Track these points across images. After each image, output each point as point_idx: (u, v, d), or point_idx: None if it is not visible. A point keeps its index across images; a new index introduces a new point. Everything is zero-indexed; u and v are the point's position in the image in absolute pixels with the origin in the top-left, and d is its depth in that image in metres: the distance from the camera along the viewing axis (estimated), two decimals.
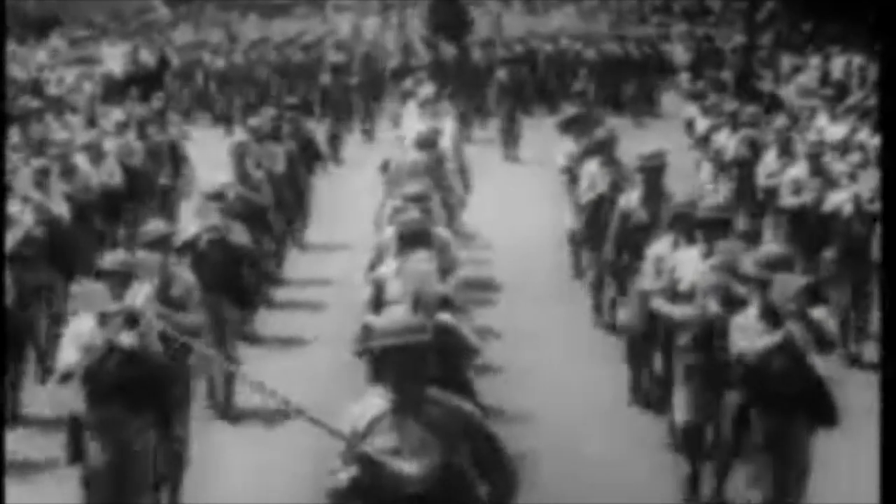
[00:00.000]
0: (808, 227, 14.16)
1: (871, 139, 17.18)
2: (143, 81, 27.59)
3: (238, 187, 14.06)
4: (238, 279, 12.31)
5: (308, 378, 12.30)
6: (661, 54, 30.55)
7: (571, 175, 15.80)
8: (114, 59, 30.09)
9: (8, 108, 19.47)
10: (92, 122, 20.15)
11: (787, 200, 14.62)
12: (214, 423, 11.95)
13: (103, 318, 8.78)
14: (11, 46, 29.16)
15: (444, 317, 9.29)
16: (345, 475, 6.24)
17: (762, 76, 29.75)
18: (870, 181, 13.36)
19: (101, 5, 34.46)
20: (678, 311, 10.12)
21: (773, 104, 25.08)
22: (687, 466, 10.28)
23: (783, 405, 8.63)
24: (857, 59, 28.88)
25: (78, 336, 8.82)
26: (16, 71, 27.48)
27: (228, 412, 12.14)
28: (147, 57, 30.54)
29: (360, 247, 16.39)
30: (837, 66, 29.04)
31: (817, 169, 14.46)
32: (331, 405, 6.51)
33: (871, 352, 13.31)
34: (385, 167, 14.94)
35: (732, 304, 9.28)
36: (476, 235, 17.82)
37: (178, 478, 9.97)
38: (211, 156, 17.68)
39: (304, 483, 9.74)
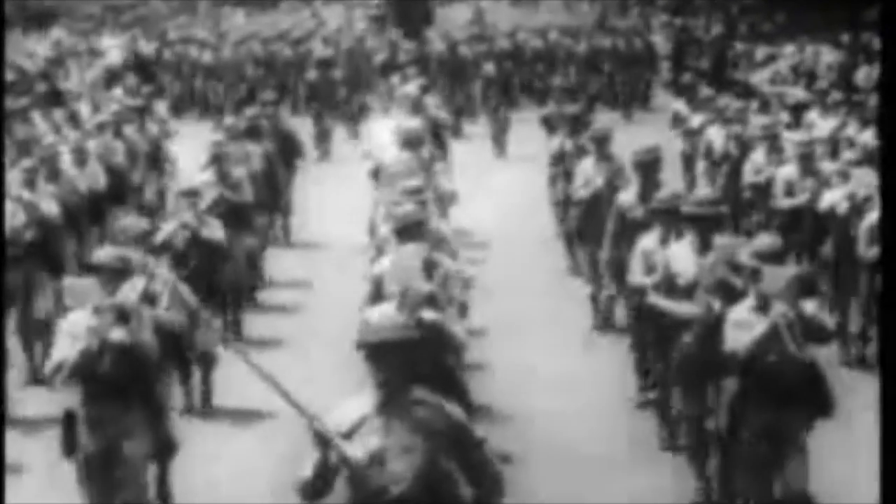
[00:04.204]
0: (803, 227, 13.89)
1: (859, 135, 17.17)
2: (141, 70, 27.73)
3: (218, 186, 13.89)
4: (214, 275, 12.29)
5: (291, 378, 12.14)
6: (651, 46, 30.54)
7: (564, 172, 15.62)
8: (115, 49, 30.19)
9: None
10: (97, 110, 20.17)
11: (782, 202, 14.29)
12: (189, 420, 11.83)
13: (96, 313, 8.79)
14: (16, 36, 29.23)
15: (429, 314, 9.27)
16: (308, 463, 6.33)
17: (737, 65, 29.86)
18: (864, 179, 13.03)
19: None
20: (681, 308, 9.76)
21: (747, 93, 25.18)
22: (692, 462, 10.11)
23: (778, 395, 8.50)
24: (825, 50, 29.02)
25: (73, 330, 8.74)
26: (27, 63, 27.49)
27: (205, 410, 12.08)
28: (145, 46, 30.62)
29: (345, 245, 16.40)
30: (809, 55, 29.19)
31: (809, 169, 14.16)
32: (314, 404, 6.48)
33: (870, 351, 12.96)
34: (376, 173, 14.75)
35: (734, 299, 8.98)
36: (465, 231, 17.77)
37: (166, 470, 9.86)
38: (198, 151, 17.55)
39: (281, 481, 9.75)
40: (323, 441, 6.25)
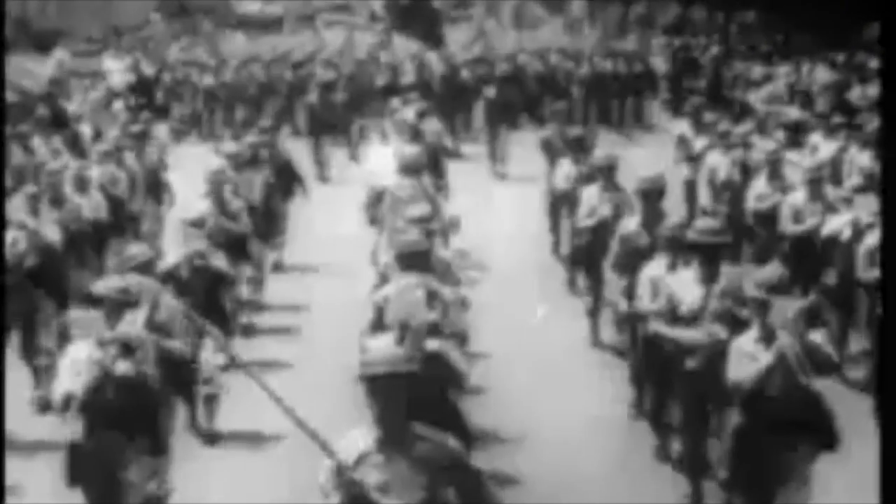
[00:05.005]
0: (811, 253, 13.75)
1: (860, 155, 17.14)
2: (143, 92, 27.75)
3: (217, 216, 13.79)
4: (219, 304, 12.28)
5: (291, 403, 12.07)
6: (652, 70, 30.56)
7: (569, 198, 15.45)
8: (119, 72, 30.25)
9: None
10: (98, 134, 20.11)
11: (790, 228, 14.11)
12: (195, 446, 11.75)
13: (100, 345, 8.76)
14: (18, 58, 29.28)
15: (433, 344, 9.29)
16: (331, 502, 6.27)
17: (734, 85, 29.93)
18: (868, 205, 12.99)
19: (99, 20, 34.62)
20: (685, 335, 9.67)
21: (743, 112, 25.22)
22: (690, 485, 10.16)
23: (782, 426, 8.47)
24: (821, 69, 29.09)
25: (75, 362, 8.76)
26: (29, 84, 27.56)
27: (211, 436, 11.98)
28: (147, 68, 30.65)
29: (344, 269, 16.34)
30: (805, 74, 29.25)
31: (817, 194, 14.00)
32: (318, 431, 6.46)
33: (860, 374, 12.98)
34: (378, 199, 14.65)
35: (739, 329, 8.94)
36: (463, 253, 17.67)
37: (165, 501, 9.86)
38: (198, 174, 17.49)
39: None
40: (351, 485, 6.20)
